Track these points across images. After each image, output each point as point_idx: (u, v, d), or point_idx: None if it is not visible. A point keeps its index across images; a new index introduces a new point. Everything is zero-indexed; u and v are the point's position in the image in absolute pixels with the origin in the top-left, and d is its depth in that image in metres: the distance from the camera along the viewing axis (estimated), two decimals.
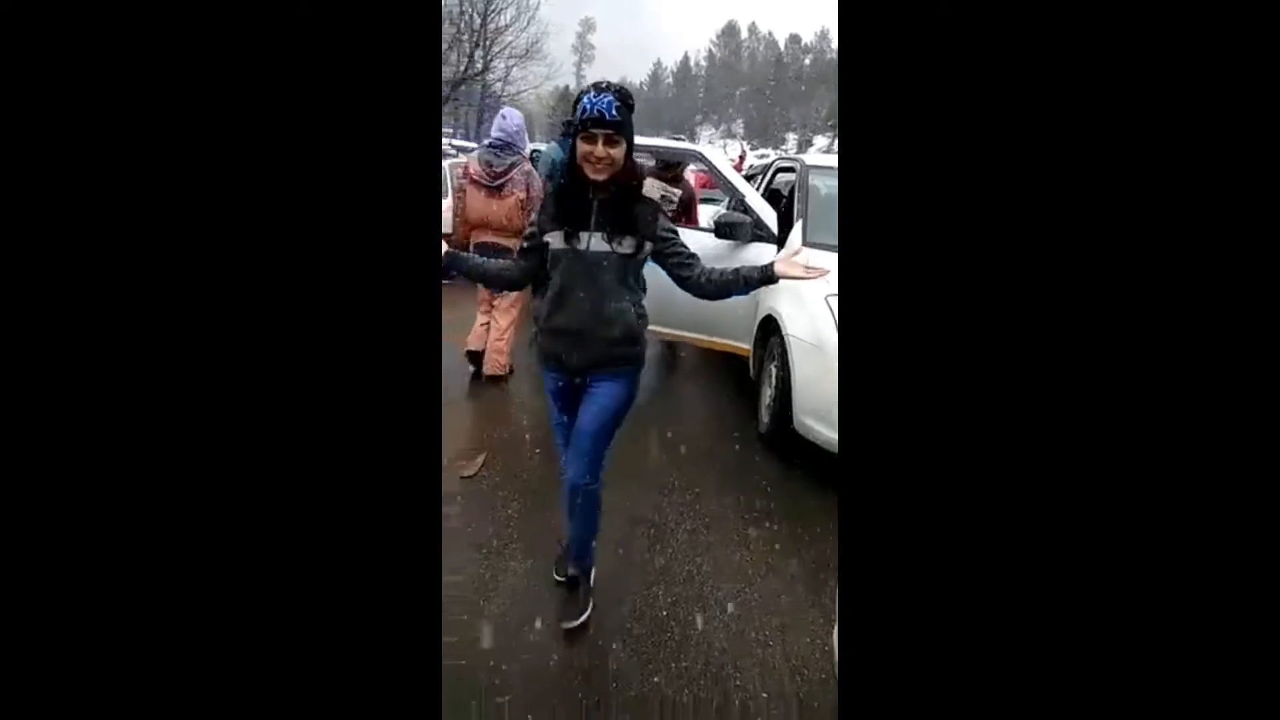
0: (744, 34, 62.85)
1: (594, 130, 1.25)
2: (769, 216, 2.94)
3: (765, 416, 2.60)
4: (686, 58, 65.23)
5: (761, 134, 49.77)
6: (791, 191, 3.20)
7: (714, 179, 3.47)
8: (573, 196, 1.34)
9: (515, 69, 17.59)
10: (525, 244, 1.43)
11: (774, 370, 2.53)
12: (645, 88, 68.52)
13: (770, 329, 2.59)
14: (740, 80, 59.55)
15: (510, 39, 17.04)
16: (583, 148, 1.28)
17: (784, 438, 2.42)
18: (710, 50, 63.22)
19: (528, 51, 17.51)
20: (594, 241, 1.33)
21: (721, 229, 2.86)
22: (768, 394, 2.58)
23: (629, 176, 1.34)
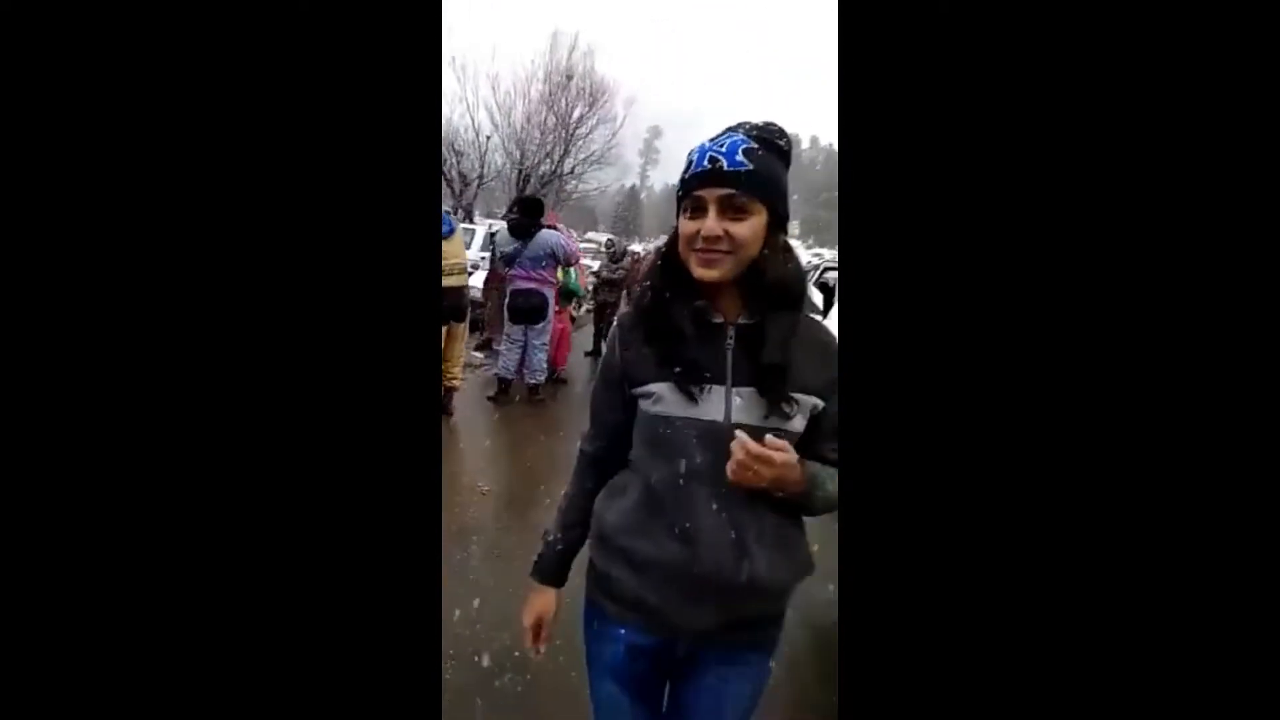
0: (805, 144, 66.50)
1: (701, 193, 0.73)
2: (817, 300, 3.22)
3: None
4: None
5: (817, 234, 51.84)
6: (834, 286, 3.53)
7: None
8: (665, 322, 0.76)
9: (591, 170, 19.22)
10: (596, 402, 0.85)
11: None
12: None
13: None
14: (802, 188, 62.70)
15: (588, 143, 18.76)
16: (688, 227, 0.74)
17: None
18: (704, 143, 67.33)
19: (603, 155, 19.17)
20: (732, 404, 0.74)
21: None
22: None
23: (781, 280, 0.75)
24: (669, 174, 67.95)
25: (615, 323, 0.85)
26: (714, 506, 0.72)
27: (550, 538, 0.86)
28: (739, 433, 0.67)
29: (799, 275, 0.77)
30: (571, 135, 17.90)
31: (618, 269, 6.57)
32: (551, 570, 0.85)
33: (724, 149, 0.72)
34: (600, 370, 0.84)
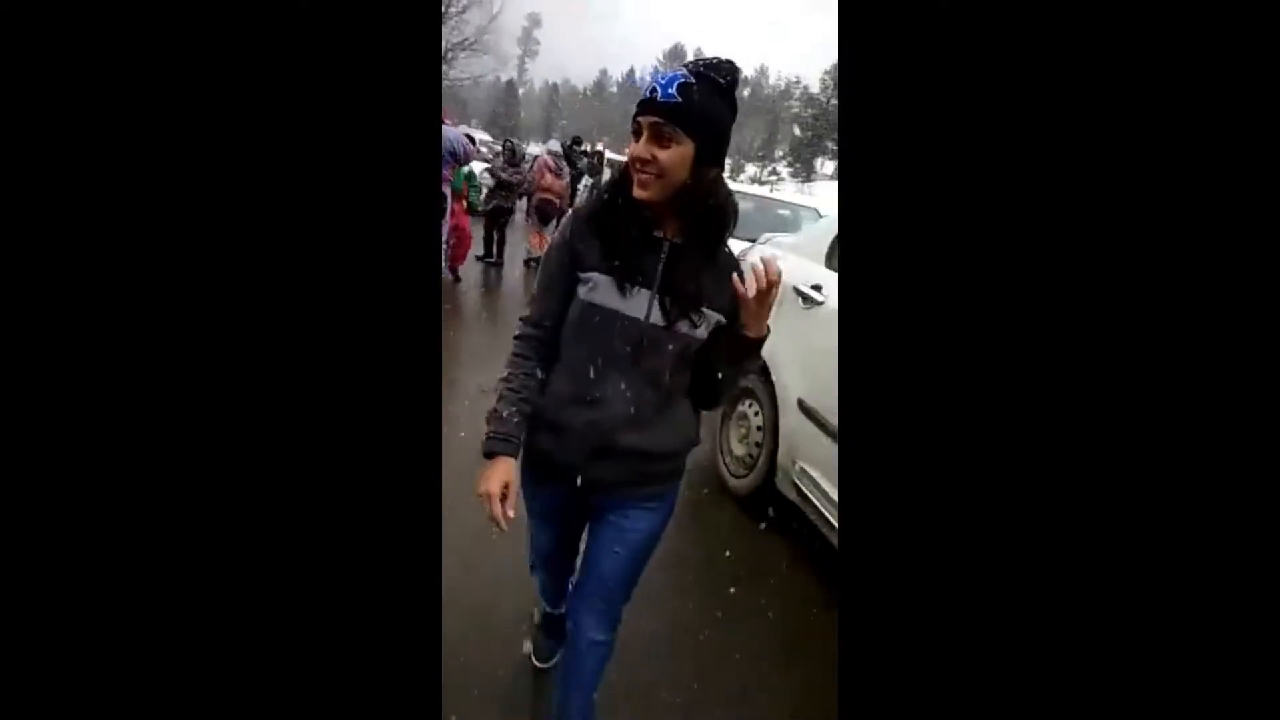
0: (689, 57, 64.91)
1: (639, 118, 0.83)
2: None
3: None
4: (633, 70, 66.33)
5: None
6: None
7: None
8: (616, 225, 0.88)
9: (463, 58, 17.49)
10: (542, 283, 0.95)
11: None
12: (590, 94, 69.00)
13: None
14: None
15: (460, 24, 16.94)
16: (630, 149, 0.85)
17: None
18: (656, 67, 64.83)
19: (477, 41, 17.48)
20: (654, 307, 0.87)
21: None
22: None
23: (709, 208, 0.87)
24: (548, 69, 63.48)
25: (571, 214, 0.95)
26: (621, 386, 0.88)
27: (503, 413, 0.92)
28: (763, 257, 0.84)
29: (724, 205, 0.87)
30: (443, 13, 16.10)
31: (515, 172, 6.12)
32: (505, 442, 0.92)
33: (663, 80, 0.82)
34: (549, 256, 0.93)
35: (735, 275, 0.85)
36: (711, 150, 0.85)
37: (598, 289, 0.87)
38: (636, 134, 0.84)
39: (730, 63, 0.87)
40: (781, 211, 4.55)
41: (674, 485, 1.02)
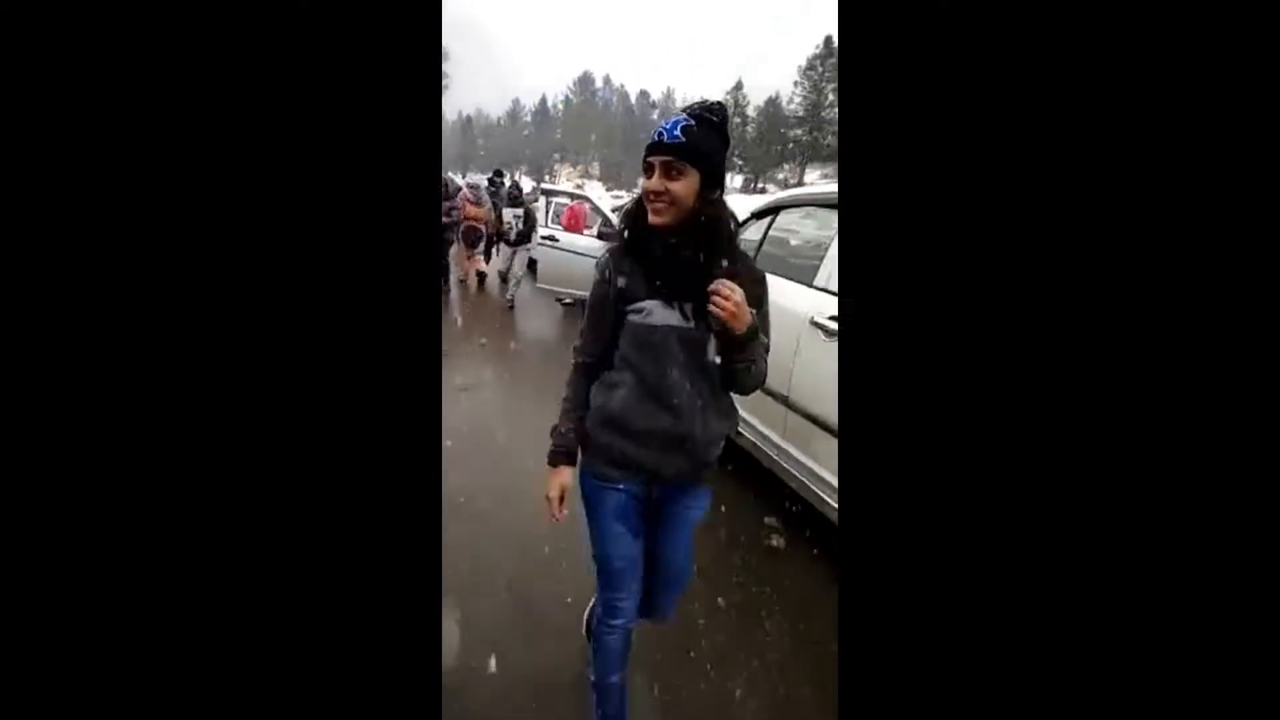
0: (599, 83, 67.49)
1: (650, 159, 0.99)
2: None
3: None
4: (545, 99, 68.29)
5: (616, 178, 52.91)
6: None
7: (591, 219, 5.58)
8: (643, 254, 1.04)
9: None
10: (593, 318, 1.08)
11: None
12: (503, 124, 70.45)
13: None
14: (595, 126, 63.68)
15: None
16: (643, 183, 1.02)
17: None
18: (568, 95, 66.96)
19: None
20: (689, 314, 1.03)
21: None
22: None
23: (710, 225, 1.01)
24: (461, 100, 64.24)
25: (606, 255, 1.07)
26: (688, 387, 1.02)
27: (563, 429, 1.10)
28: (722, 280, 0.94)
29: (726, 220, 1.02)
30: None
31: (450, 205, 6.28)
32: (567, 455, 1.10)
33: (668, 125, 0.97)
34: (594, 296, 1.06)
35: (710, 301, 0.95)
36: (712, 177, 1.00)
37: (652, 314, 1.01)
38: (648, 171, 0.99)
39: (720, 104, 1.03)
40: None
41: (715, 467, 1.14)
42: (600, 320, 1.07)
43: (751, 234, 2.58)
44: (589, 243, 5.19)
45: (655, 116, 60.98)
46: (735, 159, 45.20)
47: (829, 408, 1.81)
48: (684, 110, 1.00)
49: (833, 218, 2.13)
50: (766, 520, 2.21)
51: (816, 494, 1.90)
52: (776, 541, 2.09)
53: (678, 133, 0.96)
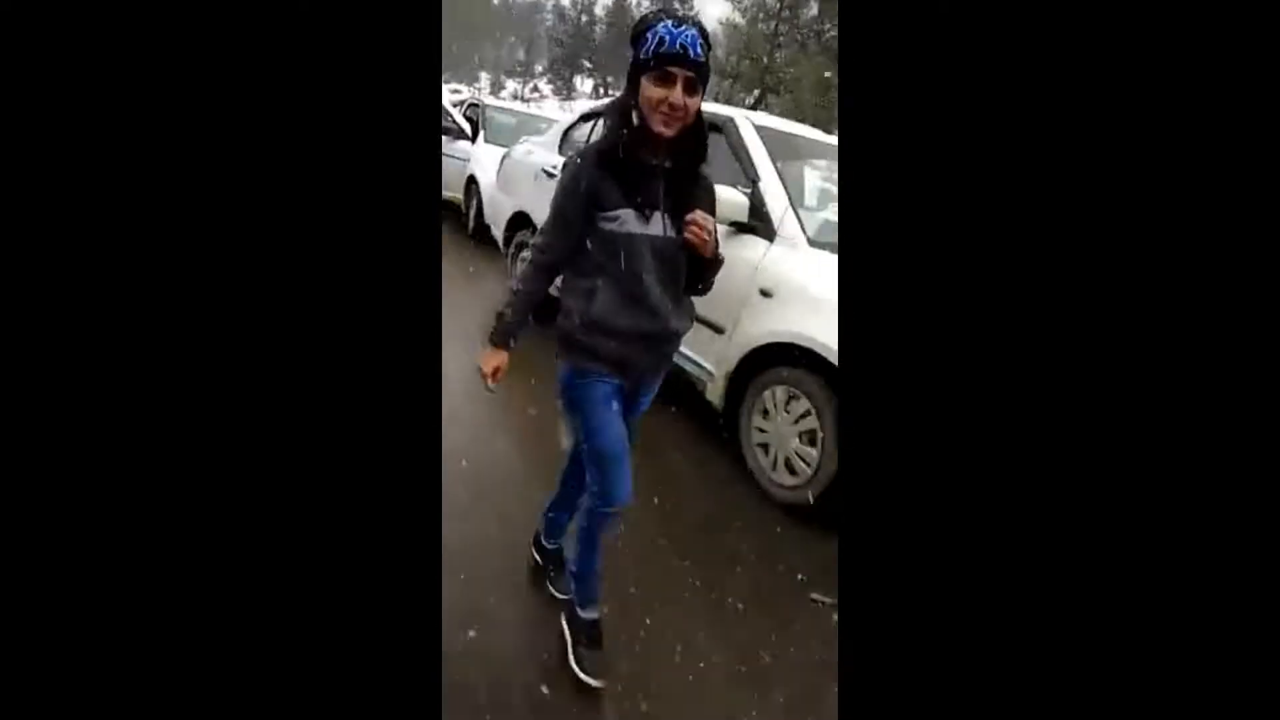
0: None
1: (672, 69, 1.00)
2: (466, 127, 4.54)
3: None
4: None
5: (454, 71, 44.98)
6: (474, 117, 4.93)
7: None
8: (634, 160, 1.07)
9: None
10: (560, 221, 1.12)
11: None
12: None
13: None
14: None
15: None
16: (655, 92, 1.01)
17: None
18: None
19: None
20: (667, 226, 1.10)
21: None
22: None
23: (699, 139, 1.10)
24: None
25: (576, 159, 1.12)
26: (659, 290, 1.13)
27: (505, 313, 1.19)
28: (698, 211, 1.08)
29: (705, 135, 1.13)
30: None
31: None
32: (506, 338, 1.19)
33: (688, 40, 0.99)
34: (563, 194, 1.11)
35: (689, 231, 1.08)
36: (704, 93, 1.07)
37: (626, 222, 1.08)
38: (665, 81, 1.01)
39: (699, 21, 1.06)
40: (540, 125, 5.28)
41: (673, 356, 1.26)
42: (565, 224, 1.12)
43: (579, 135, 3.01)
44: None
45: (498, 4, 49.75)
46: (584, 62, 46.85)
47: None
48: (679, 21, 1.02)
49: None
50: None
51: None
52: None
53: (699, 50, 1.01)
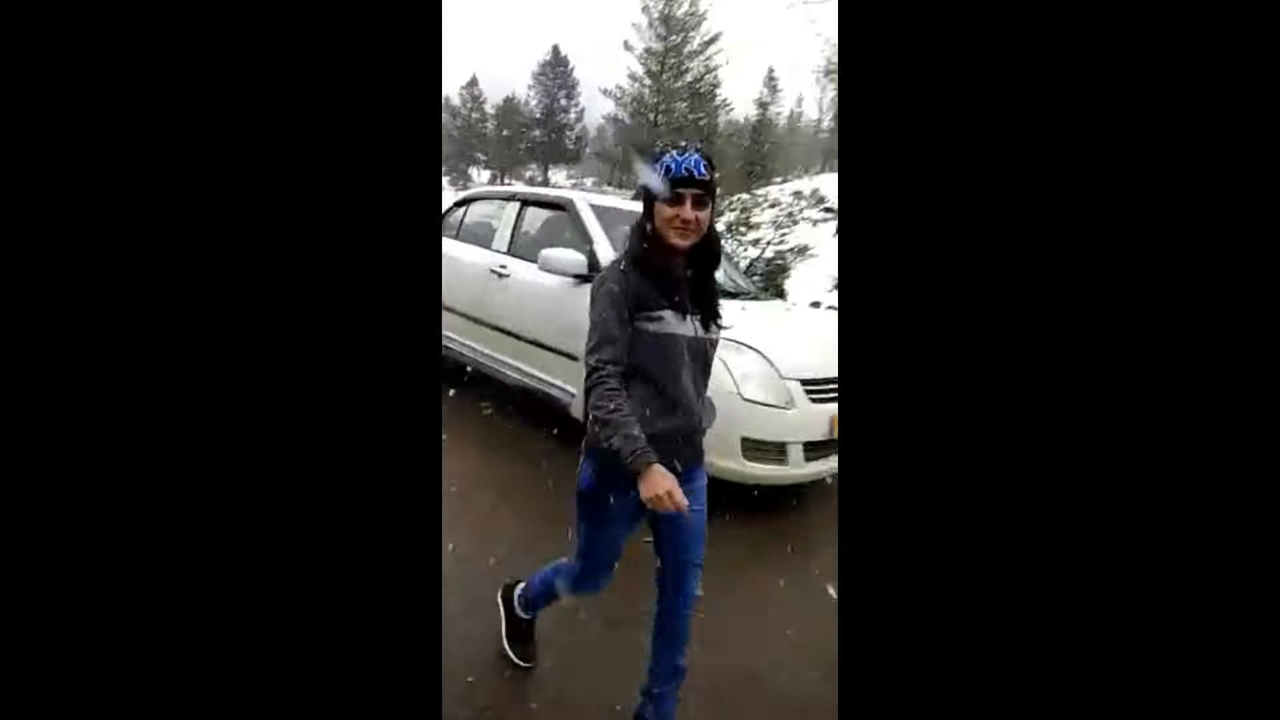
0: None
1: (682, 190, 1.16)
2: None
3: None
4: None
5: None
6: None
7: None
8: (663, 271, 1.20)
9: None
10: (612, 329, 1.17)
11: None
12: None
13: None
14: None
15: None
16: (667, 211, 1.17)
17: None
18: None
19: None
20: (697, 325, 1.24)
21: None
22: None
23: (713, 248, 1.26)
24: None
25: (616, 271, 1.22)
26: (692, 390, 1.23)
27: (636, 434, 1.14)
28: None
29: (719, 242, 1.30)
30: None
31: None
32: (652, 454, 1.12)
33: (692, 163, 1.16)
34: (609, 303, 1.18)
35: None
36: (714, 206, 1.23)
37: (668, 322, 1.19)
38: (677, 201, 1.16)
39: (700, 147, 1.21)
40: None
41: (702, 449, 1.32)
42: (618, 332, 1.17)
43: (453, 218, 3.65)
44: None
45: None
46: (479, 155, 47.64)
47: (509, 324, 2.96)
48: (683, 149, 1.18)
49: (506, 207, 3.38)
50: (481, 403, 3.18)
51: (512, 376, 2.98)
52: (487, 412, 3.08)
53: (703, 170, 1.16)
